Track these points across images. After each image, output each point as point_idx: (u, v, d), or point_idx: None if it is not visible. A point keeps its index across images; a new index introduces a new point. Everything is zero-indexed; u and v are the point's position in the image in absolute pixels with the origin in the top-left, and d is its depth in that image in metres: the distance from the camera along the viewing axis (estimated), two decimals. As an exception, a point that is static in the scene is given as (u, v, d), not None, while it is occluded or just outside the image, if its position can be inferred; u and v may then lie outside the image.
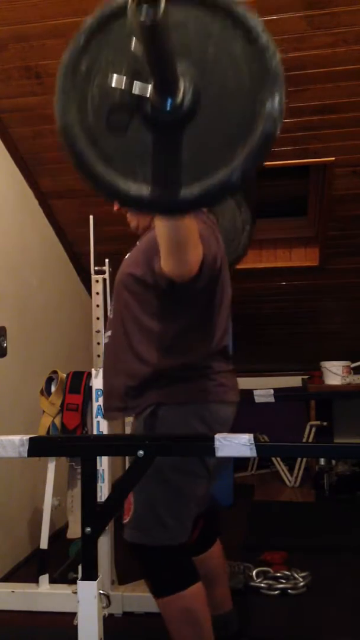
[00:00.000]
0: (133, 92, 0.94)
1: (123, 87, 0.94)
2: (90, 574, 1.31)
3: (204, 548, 2.01)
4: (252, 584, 2.62)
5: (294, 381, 4.85)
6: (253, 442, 1.27)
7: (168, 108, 0.97)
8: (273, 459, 4.64)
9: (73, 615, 1.33)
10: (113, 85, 0.95)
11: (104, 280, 2.64)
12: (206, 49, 0.99)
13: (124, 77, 0.94)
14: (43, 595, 2.53)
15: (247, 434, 1.28)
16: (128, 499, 1.68)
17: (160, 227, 1.45)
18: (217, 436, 1.29)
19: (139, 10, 0.79)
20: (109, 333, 1.84)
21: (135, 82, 0.93)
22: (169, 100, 0.96)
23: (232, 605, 2.09)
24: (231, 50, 0.99)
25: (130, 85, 0.94)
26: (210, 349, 1.76)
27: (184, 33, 0.99)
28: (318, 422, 4.45)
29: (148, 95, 0.95)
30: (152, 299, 1.71)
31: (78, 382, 2.79)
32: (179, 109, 0.98)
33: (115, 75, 0.95)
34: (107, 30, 0.98)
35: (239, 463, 4.70)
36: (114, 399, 1.79)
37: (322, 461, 4.29)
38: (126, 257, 1.85)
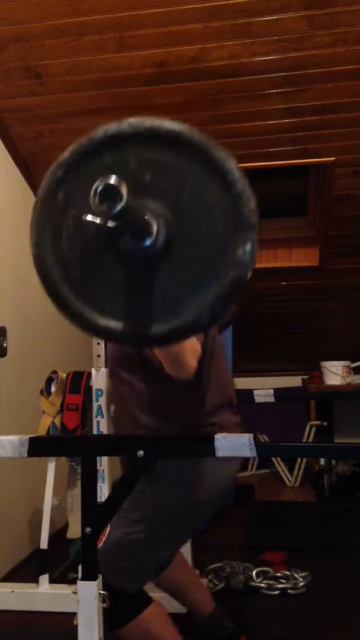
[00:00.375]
0: (108, 225, 0.94)
1: (98, 222, 0.95)
2: (90, 574, 1.31)
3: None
4: (252, 584, 2.62)
5: (294, 381, 4.85)
6: (253, 442, 1.27)
7: (141, 246, 0.98)
8: (273, 459, 4.63)
9: (73, 615, 1.33)
10: (89, 218, 0.95)
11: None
12: (182, 191, 0.99)
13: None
14: (43, 595, 2.53)
15: (247, 434, 1.28)
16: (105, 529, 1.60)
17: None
18: (217, 436, 1.30)
19: (103, 206, 0.83)
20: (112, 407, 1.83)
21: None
22: (142, 240, 0.98)
23: (215, 605, 2.07)
24: (206, 193, 0.99)
25: (105, 220, 0.94)
26: (214, 404, 1.71)
27: (161, 173, 0.99)
28: (318, 422, 4.45)
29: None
30: (139, 363, 1.68)
31: (78, 382, 2.79)
32: (152, 247, 0.99)
33: None
34: (83, 165, 0.99)
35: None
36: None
37: (322, 461, 4.29)
38: None
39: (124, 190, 0.82)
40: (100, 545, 1.53)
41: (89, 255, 1.02)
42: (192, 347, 1.44)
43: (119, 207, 0.82)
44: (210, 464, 1.66)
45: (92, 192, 0.83)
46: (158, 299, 1.01)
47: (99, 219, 0.94)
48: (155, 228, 0.98)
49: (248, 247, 0.97)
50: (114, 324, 1.02)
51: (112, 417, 1.85)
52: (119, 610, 1.61)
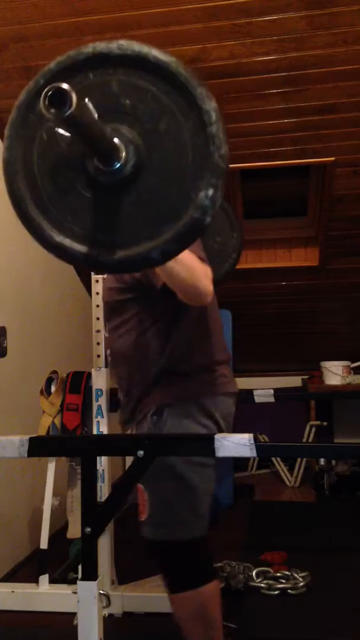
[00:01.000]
0: (64, 134, 0.97)
1: (67, 135, 0.98)
2: (90, 574, 1.31)
3: None
4: (252, 584, 2.62)
5: (294, 381, 4.85)
6: (253, 442, 1.27)
7: (108, 170, 0.99)
8: (273, 459, 4.63)
9: (73, 615, 1.33)
10: (60, 131, 0.98)
11: (104, 280, 2.64)
12: (158, 123, 0.99)
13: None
14: (43, 595, 2.53)
15: (247, 434, 1.28)
16: (142, 498, 1.67)
17: (165, 276, 1.46)
18: (217, 436, 1.29)
19: (49, 110, 0.83)
20: (108, 352, 1.86)
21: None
22: (110, 164, 0.99)
23: None
24: (181, 129, 0.99)
25: (56, 126, 0.97)
26: (220, 358, 1.76)
27: (141, 100, 1.00)
28: (318, 422, 4.45)
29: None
30: (146, 304, 1.70)
31: (78, 382, 2.79)
32: (118, 173, 0.99)
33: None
34: (65, 79, 0.96)
35: (239, 463, 4.70)
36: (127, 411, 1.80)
37: (322, 461, 4.29)
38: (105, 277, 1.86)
39: (73, 97, 0.82)
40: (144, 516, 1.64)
41: (58, 173, 1.03)
42: (204, 271, 1.46)
43: (67, 112, 0.83)
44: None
45: (42, 97, 0.83)
46: (115, 227, 1.02)
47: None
48: (124, 154, 0.99)
49: (210, 192, 0.97)
50: (68, 242, 1.03)
51: (119, 379, 1.85)
52: (182, 577, 1.67)
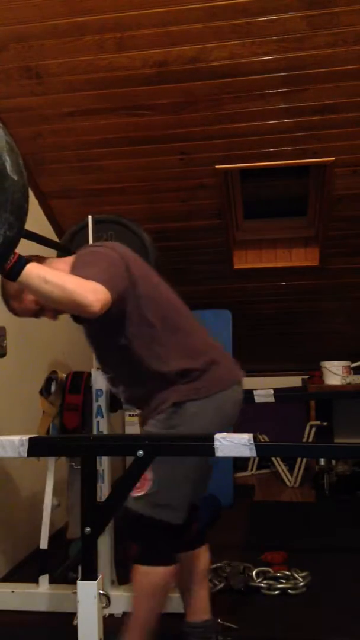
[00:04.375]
0: None
1: None
2: (90, 574, 1.31)
3: (199, 543, 2.06)
4: (252, 584, 2.62)
5: (294, 381, 4.85)
6: (253, 442, 1.27)
7: None
8: (273, 459, 4.63)
9: (73, 615, 1.33)
10: None
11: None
12: None
13: None
14: (43, 595, 2.53)
15: (247, 434, 1.28)
16: (145, 476, 1.73)
17: (40, 298, 1.69)
18: (217, 436, 1.29)
19: None
20: (110, 375, 2.02)
21: None
22: None
23: (210, 618, 2.08)
24: None
25: None
26: (200, 347, 1.89)
27: None
28: (318, 422, 4.45)
29: None
30: (112, 334, 1.85)
31: (78, 382, 2.79)
32: None
33: None
34: None
35: (239, 463, 4.70)
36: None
37: (322, 461, 4.28)
38: None
39: None
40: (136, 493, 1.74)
41: None
42: (81, 286, 1.57)
43: None
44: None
45: None
46: None
47: None
48: None
49: None
50: None
51: (127, 399, 2.02)
52: (153, 552, 1.80)
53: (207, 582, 2.15)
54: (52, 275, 1.55)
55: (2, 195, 1.17)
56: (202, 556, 2.05)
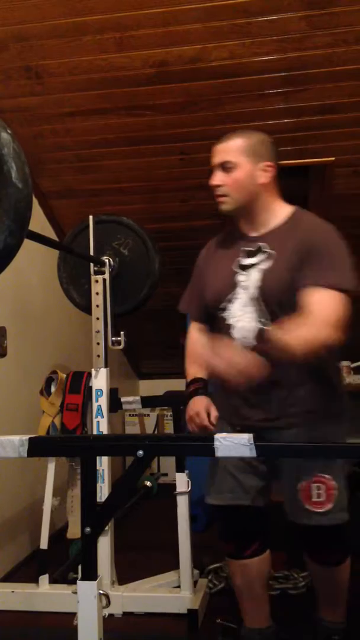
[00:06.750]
0: None
1: None
2: (90, 574, 1.31)
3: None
4: (252, 584, 2.61)
5: (294, 381, 4.84)
6: (253, 442, 1.27)
7: None
8: (273, 459, 4.62)
9: (73, 615, 1.33)
10: None
11: (104, 280, 2.64)
12: None
13: None
14: (43, 595, 2.53)
15: (247, 434, 1.28)
16: (328, 487, 1.89)
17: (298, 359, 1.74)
18: (217, 436, 1.29)
19: None
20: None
21: None
22: None
23: (270, 625, 2.17)
24: None
25: None
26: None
27: None
28: (318, 422, 4.43)
29: None
30: None
31: (78, 382, 2.79)
32: None
33: None
34: None
35: (239, 463, 4.69)
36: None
37: (322, 461, 4.28)
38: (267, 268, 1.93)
39: None
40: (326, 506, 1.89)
41: None
42: (314, 329, 1.81)
43: None
44: None
45: None
46: None
47: None
48: None
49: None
50: None
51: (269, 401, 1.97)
52: (345, 548, 2.01)
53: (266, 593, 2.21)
54: (289, 338, 1.68)
55: (6, 202, 1.16)
56: (270, 560, 2.18)
